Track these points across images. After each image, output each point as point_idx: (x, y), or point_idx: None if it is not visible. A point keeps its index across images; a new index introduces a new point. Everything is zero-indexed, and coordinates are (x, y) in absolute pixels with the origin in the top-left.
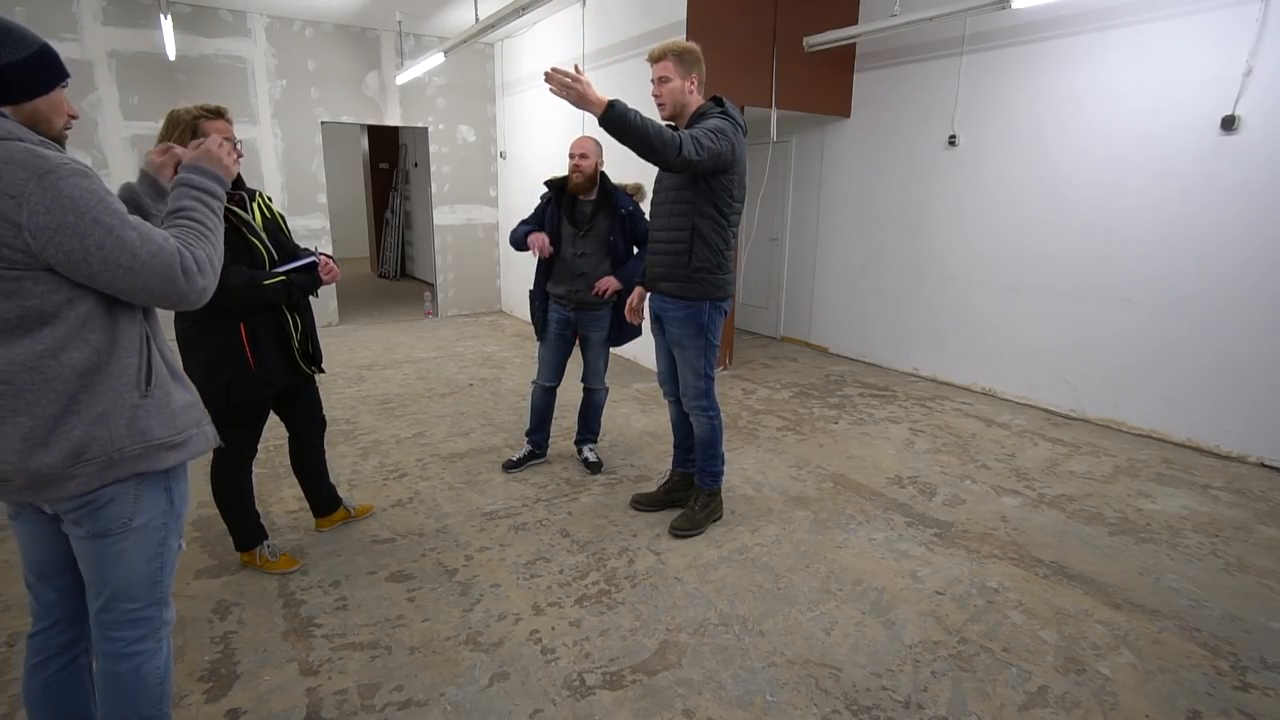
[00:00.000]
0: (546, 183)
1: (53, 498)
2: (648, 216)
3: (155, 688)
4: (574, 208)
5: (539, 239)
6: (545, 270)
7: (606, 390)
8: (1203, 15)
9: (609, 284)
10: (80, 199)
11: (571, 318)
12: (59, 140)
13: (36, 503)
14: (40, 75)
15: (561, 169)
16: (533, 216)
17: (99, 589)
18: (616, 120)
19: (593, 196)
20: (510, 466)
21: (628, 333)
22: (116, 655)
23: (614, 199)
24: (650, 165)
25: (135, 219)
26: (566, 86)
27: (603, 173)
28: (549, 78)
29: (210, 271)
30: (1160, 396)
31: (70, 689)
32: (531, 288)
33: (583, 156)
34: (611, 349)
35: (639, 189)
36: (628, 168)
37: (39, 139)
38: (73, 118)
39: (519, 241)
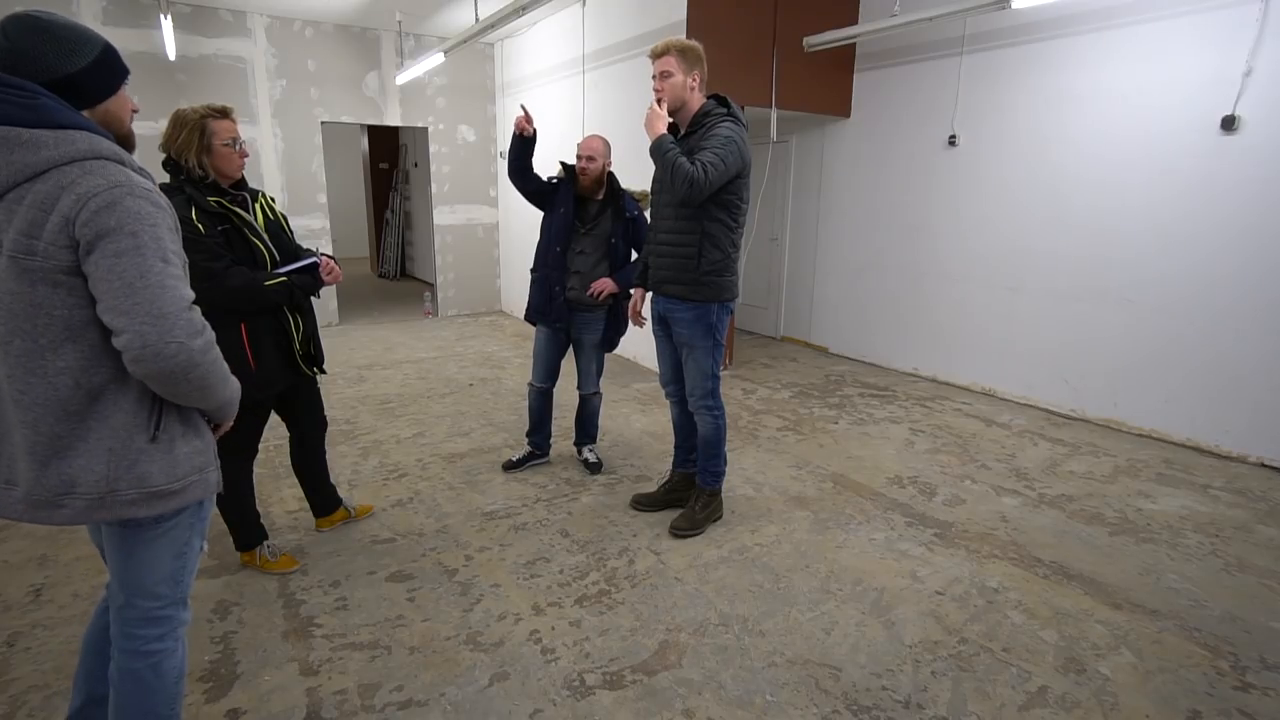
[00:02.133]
0: (564, 164)
1: (42, 520)
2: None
3: (172, 687)
4: (580, 206)
5: (520, 118)
6: (562, 264)
7: (600, 396)
8: (1203, 15)
9: (605, 285)
10: (133, 213)
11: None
12: (128, 136)
13: (31, 521)
14: (108, 77)
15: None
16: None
17: (123, 582)
18: (655, 148)
19: (599, 196)
20: (510, 467)
21: (620, 334)
22: (136, 653)
23: (621, 200)
24: (642, 165)
25: (184, 270)
26: (654, 108)
27: (611, 173)
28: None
29: (206, 367)
30: (1160, 396)
31: (104, 642)
32: (536, 272)
33: (590, 159)
34: (606, 352)
35: (645, 196)
36: (631, 175)
37: (140, 167)
38: (134, 112)
39: (514, 153)
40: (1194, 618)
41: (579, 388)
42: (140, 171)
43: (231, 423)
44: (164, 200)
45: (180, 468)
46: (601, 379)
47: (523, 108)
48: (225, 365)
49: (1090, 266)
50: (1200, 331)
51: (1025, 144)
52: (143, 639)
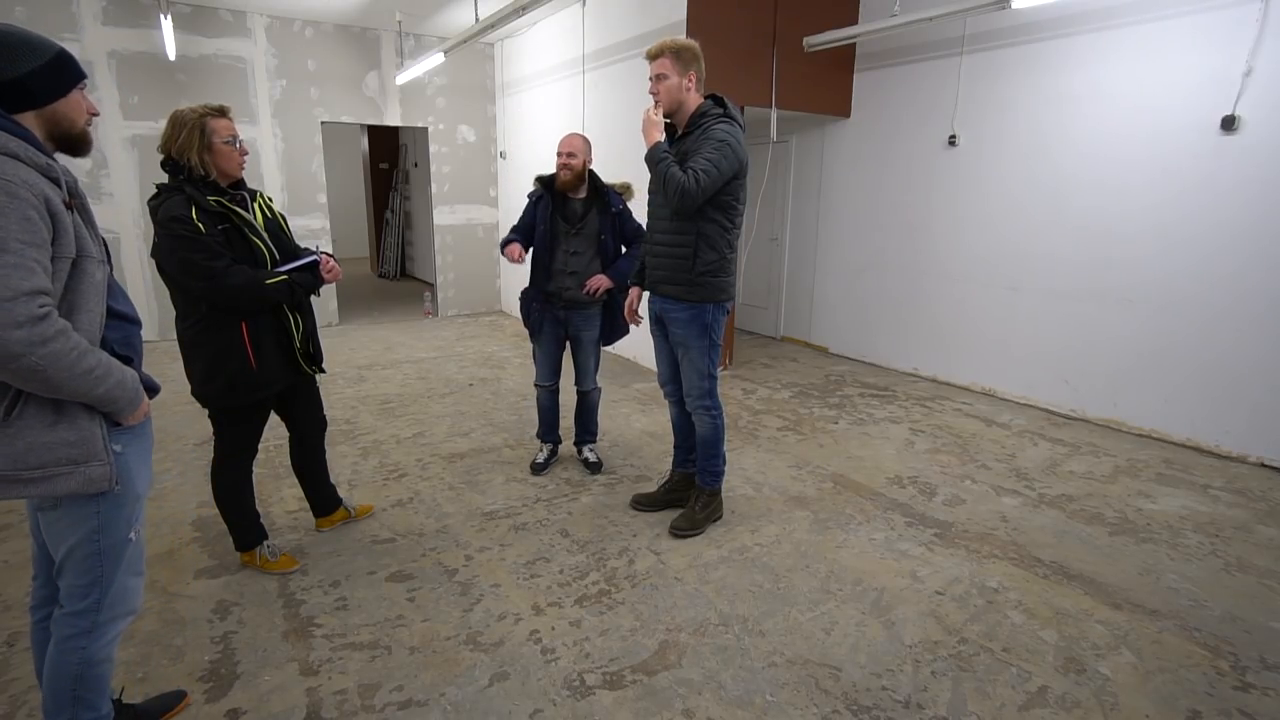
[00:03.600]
0: (539, 178)
1: None
2: (638, 216)
3: (68, 670)
4: (565, 205)
5: (511, 249)
6: (544, 272)
7: (599, 390)
8: (1203, 15)
9: (600, 282)
10: None
11: (561, 316)
12: (82, 138)
13: None
14: (56, 81)
15: None
16: (522, 219)
17: (54, 558)
18: (648, 158)
19: (583, 195)
20: (538, 469)
21: (618, 331)
22: (56, 620)
23: (605, 197)
24: (640, 165)
25: (33, 261)
26: (649, 115)
27: (592, 171)
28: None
29: (35, 359)
30: (1160, 396)
31: (46, 639)
32: (526, 287)
33: (570, 155)
34: (604, 348)
35: (627, 188)
36: (611, 166)
37: (46, 163)
38: (93, 115)
39: (502, 250)
40: (1194, 618)
41: (577, 384)
42: (44, 168)
43: (134, 418)
44: (28, 192)
45: (34, 457)
46: (599, 374)
47: (516, 249)
48: (91, 361)
49: (1090, 267)
50: (1200, 332)
51: (1025, 144)
52: (62, 609)
